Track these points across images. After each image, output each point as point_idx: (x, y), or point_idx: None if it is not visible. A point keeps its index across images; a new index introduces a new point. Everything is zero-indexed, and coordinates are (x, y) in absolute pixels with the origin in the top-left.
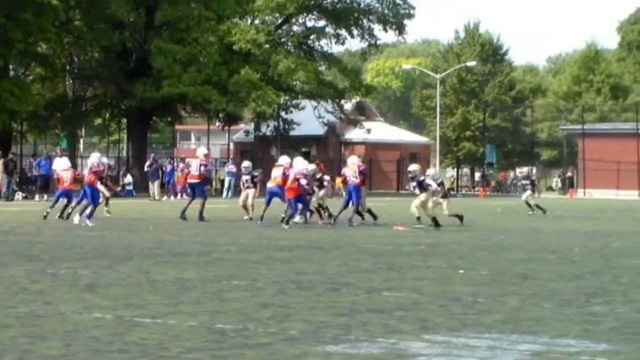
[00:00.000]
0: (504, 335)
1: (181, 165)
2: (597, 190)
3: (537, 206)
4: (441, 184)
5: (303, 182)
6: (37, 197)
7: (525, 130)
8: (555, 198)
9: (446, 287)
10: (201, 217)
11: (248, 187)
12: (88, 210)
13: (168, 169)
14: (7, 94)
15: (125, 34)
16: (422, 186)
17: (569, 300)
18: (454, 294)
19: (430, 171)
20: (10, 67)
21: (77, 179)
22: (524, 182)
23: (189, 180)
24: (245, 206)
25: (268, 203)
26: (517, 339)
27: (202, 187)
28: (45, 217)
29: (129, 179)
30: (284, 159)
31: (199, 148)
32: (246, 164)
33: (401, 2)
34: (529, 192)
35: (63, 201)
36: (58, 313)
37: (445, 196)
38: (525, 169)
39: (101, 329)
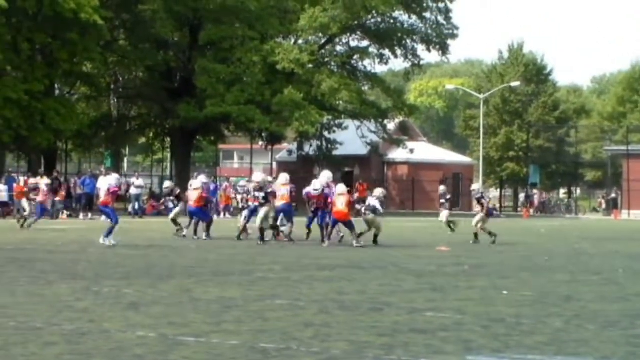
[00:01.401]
0: (547, 357)
1: (225, 184)
2: (637, 211)
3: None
4: (481, 199)
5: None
6: (81, 215)
7: (569, 151)
8: (599, 219)
9: (489, 308)
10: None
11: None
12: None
13: (212, 188)
14: (52, 113)
15: (170, 54)
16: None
17: (613, 322)
18: (497, 315)
19: (474, 186)
20: (56, 86)
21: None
22: (441, 200)
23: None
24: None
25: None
26: None
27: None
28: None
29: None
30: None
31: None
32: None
33: (445, 23)
34: (446, 212)
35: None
36: (102, 331)
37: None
38: (442, 187)
39: (144, 347)
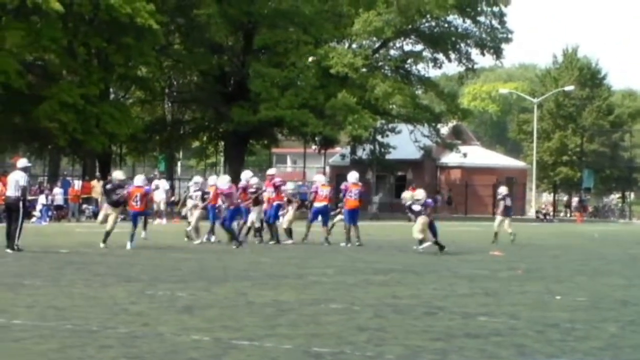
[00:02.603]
0: None
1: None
2: None
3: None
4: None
5: None
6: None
7: (624, 156)
8: None
9: (543, 312)
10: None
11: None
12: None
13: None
14: (107, 117)
15: (224, 58)
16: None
17: None
18: (551, 319)
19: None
20: (111, 90)
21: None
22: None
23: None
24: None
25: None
26: None
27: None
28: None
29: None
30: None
31: (319, 175)
32: (197, 179)
33: (499, 27)
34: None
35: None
36: (157, 334)
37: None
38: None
39: (199, 350)
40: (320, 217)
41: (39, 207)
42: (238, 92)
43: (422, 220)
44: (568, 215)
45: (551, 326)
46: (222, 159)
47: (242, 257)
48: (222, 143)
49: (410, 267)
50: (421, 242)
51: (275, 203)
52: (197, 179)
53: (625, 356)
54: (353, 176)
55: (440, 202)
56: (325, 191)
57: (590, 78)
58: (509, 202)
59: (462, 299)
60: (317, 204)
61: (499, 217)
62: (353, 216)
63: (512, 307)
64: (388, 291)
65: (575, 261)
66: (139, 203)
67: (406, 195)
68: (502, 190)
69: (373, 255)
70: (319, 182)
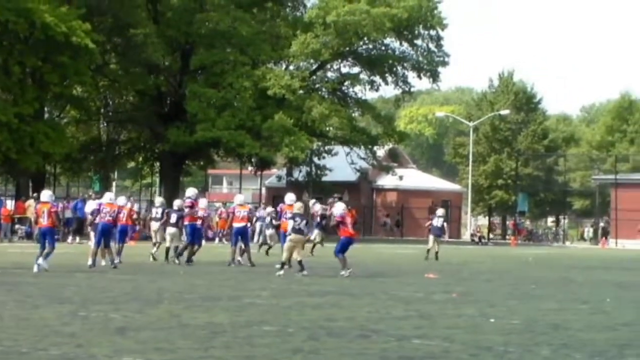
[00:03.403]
0: None
1: (221, 210)
2: (629, 241)
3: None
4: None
5: None
6: (69, 238)
7: (558, 180)
8: (586, 248)
9: (477, 335)
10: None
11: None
12: (47, 254)
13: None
14: (41, 137)
15: (161, 78)
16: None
17: (601, 351)
18: (485, 342)
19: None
20: (46, 109)
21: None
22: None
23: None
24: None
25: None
26: None
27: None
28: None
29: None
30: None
31: (238, 195)
32: (160, 200)
33: (436, 50)
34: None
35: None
36: (89, 356)
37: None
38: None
39: None
40: (241, 238)
41: None
42: (174, 112)
43: (293, 238)
44: (503, 238)
45: (485, 349)
46: (157, 180)
47: (176, 279)
48: (158, 164)
49: (346, 289)
50: (283, 265)
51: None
52: (160, 199)
53: None
54: (289, 198)
55: (388, 225)
56: (243, 212)
57: (526, 102)
58: (437, 222)
59: (397, 321)
60: (236, 225)
61: (431, 237)
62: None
63: (447, 330)
64: (323, 314)
65: (509, 285)
66: (45, 219)
67: (316, 206)
68: (438, 212)
69: (309, 277)
70: (236, 202)
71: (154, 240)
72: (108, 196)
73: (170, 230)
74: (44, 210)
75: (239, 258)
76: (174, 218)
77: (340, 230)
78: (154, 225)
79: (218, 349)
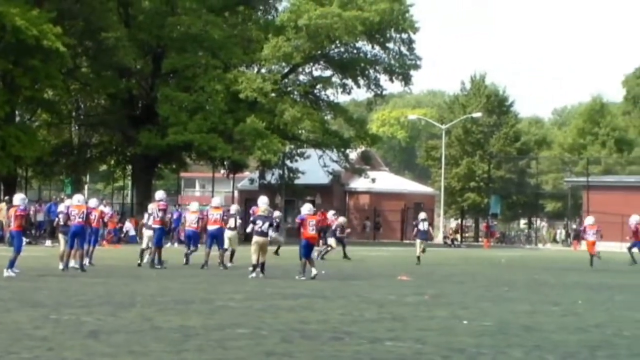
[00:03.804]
0: None
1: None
2: (601, 243)
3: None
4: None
5: None
6: (48, 242)
7: (530, 182)
8: (559, 250)
9: (450, 337)
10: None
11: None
12: (12, 258)
13: (175, 216)
14: (12, 140)
15: (132, 82)
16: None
17: (573, 352)
18: (457, 344)
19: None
20: (17, 113)
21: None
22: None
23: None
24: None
25: None
26: None
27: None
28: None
29: (128, 225)
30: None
31: (214, 198)
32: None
33: (408, 53)
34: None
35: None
36: (61, 359)
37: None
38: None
39: None
40: (216, 241)
41: None
42: (146, 115)
43: (257, 240)
44: (476, 240)
45: (457, 351)
46: (129, 183)
47: (149, 282)
48: (130, 167)
49: (319, 292)
50: (255, 267)
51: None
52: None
53: None
54: (262, 201)
55: (369, 227)
56: (216, 214)
57: (498, 105)
58: (422, 226)
59: (369, 324)
60: (210, 228)
61: (418, 241)
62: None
63: (419, 332)
64: (296, 316)
65: (481, 287)
66: (12, 222)
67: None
68: (421, 215)
69: (282, 280)
70: (211, 205)
71: (144, 245)
72: (76, 198)
73: (148, 232)
74: (11, 214)
75: (227, 262)
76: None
77: (301, 233)
78: (148, 232)
79: (191, 352)
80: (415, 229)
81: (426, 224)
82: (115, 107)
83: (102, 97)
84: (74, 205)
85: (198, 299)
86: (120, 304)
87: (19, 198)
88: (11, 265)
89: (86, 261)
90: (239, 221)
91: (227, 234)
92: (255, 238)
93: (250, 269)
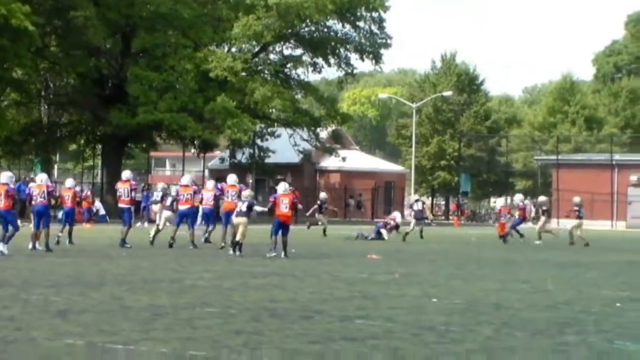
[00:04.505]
0: None
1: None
2: (570, 221)
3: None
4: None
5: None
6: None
7: (500, 160)
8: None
9: (419, 315)
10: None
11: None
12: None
13: (144, 195)
14: None
15: (102, 61)
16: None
17: (542, 329)
18: (427, 322)
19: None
20: None
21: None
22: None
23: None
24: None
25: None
26: None
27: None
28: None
29: (98, 204)
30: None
31: (184, 176)
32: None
33: (378, 32)
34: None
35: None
36: (29, 339)
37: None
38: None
39: (72, 355)
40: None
41: None
42: (116, 95)
43: (235, 220)
44: (446, 219)
45: (427, 329)
46: (99, 162)
47: (119, 262)
48: (100, 146)
49: (290, 271)
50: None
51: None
52: (162, 184)
53: (499, 358)
54: (231, 178)
55: (352, 206)
56: (186, 194)
57: (468, 84)
58: (417, 206)
59: (340, 302)
60: (181, 207)
61: (413, 221)
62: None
63: (390, 310)
64: (266, 295)
65: (451, 265)
66: (2, 201)
67: (245, 193)
68: (413, 197)
69: (252, 259)
70: (180, 184)
71: (160, 226)
72: (39, 178)
73: (166, 213)
74: (0, 192)
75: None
76: (169, 201)
77: (275, 212)
78: (166, 213)
79: (160, 330)
80: (411, 210)
81: (420, 203)
82: (85, 86)
83: (72, 77)
84: (35, 185)
85: (168, 278)
86: (90, 284)
87: (6, 176)
88: (8, 240)
89: (66, 241)
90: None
91: (164, 213)
92: (236, 219)
93: (230, 248)
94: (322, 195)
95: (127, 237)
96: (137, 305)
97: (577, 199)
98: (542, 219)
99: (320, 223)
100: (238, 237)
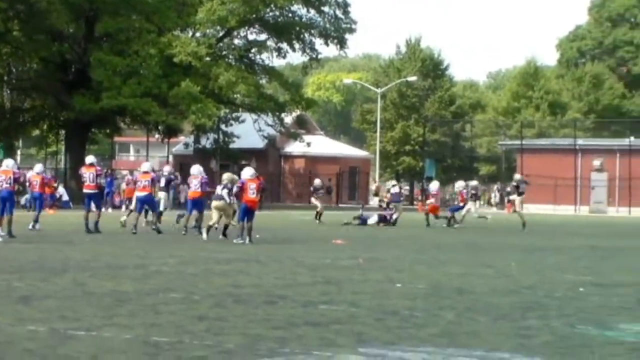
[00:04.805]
0: (439, 349)
1: (128, 177)
2: (534, 205)
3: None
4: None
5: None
6: None
7: (465, 145)
8: (493, 212)
9: (383, 300)
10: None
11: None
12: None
13: (107, 181)
14: None
15: (65, 46)
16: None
17: (504, 314)
18: (391, 307)
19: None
20: None
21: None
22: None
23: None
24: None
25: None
26: (452, 353)
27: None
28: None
29: (61, 190)
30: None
31: (144, 163)
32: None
33: (343, 17)
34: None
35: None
36: None
37: None
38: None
39: (35, 341)
40: (147, 206)
41: None
42: (79, 80)
43: (214, 204)
44: (411, 204)
45: (390, 314)
46: (63, 148)
47: (83, 248)
48: (63, 132)
49: (254, 256)
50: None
51: None
52: (168, 168)
53: (461, 342)
54: (195, 169)
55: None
56: (144, 181)
57: (433, 69)
58: (395, 190)
59: (303, 287)
60: (139, 194)
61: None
62: (195, 206)
63: (353, 295)
64: (229, 281)
65: (415, 250)
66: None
67: (225, 176)
68: (391, 182)
69: (217, 245)
70: (140, 171)
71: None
72: (5, 163)
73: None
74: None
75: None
76: (163, 182)
77: (241, 197)
78: (160, 194)
79: (123, 316)
80: (389, 194)
81: (397, 187)
82: (48, 71)
83: (35, 61)
84: (1, 170)
85: (132, 264)
86: (53, 270)
87: (11, 163)
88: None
89: (37, 226)
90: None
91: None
92: (214, 203)
93: (204, 231)
94: (317, 181)
95: (99, 221)
96: (100, 291)
97: (517, 176)
98: (470, 203)
99: (321, 206)
100: (214, 220)
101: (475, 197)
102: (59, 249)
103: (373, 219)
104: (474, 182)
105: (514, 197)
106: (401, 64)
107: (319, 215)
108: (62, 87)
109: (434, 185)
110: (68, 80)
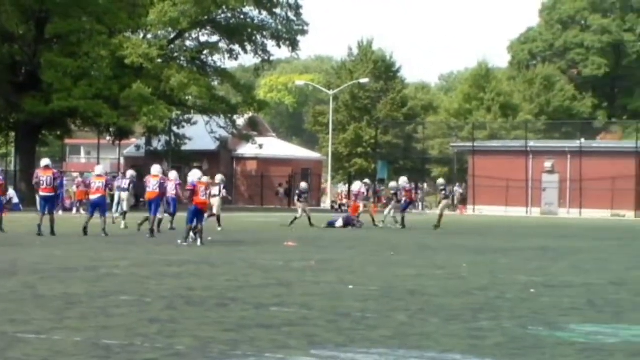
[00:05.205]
0: (391, 350)
1: (78, 179)
2: (486, 207)
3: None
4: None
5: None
6: None
7: (417, 147)
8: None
9: (335, 302)
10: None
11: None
12: None
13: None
14: None
15: (15, 47)
16: None
17: (456, 315)
18: (343, 309)
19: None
20: None
21: None
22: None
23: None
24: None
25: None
26: (404, 354)
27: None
28: None
29: (11, 192)
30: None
31: (97, 166)
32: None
33: (295, 19)
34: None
35: None
36: None
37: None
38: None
39: None
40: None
41: None
42: (30, 81)
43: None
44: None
45: (343, 315)
46: (13, 150)
47: (33, 250)
48: (13, 134)
49: (206, 258)
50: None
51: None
52: (131, 172)
53: (413, 343)
54: (154, 169)
55: (281, 194)
56: (98, 183)
57: (385, 71)
58: (363, 189)
59: (255, 289)
60: (92, 197)
61: (362, 203)
62: (152, 206)
63: (305, 297)
64: (181, 283)
65: (368, 252)
66: None
67: (217, 177)
68: (358, 182)
69: (169, 247)
70: (94, 173)
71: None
72: None
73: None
74: None
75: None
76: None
77: (192, 199)
78: (124, 195)
79: (73, 319)
80: (358, 192)
81: (364, 187)
82: None
83: None
84: None
85: (82, 267)
86: (2, 272)
87: None
88: None
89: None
90: (223, 191)
91: (212, 200)
92: (211, 199)
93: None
94: (303, 185)
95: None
96: (50, 294)
97: (440, 180)
98: (392, 203)
99: (302, 212)
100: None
101: (395, 197)
102: (8, 252)
103: (339, 222)
104: (393, 184)
105: (444, 200)
106: (353, 65)
107: (295, 220)
108: (12, 88)
109: (356, 186)
110: (18, 82)
